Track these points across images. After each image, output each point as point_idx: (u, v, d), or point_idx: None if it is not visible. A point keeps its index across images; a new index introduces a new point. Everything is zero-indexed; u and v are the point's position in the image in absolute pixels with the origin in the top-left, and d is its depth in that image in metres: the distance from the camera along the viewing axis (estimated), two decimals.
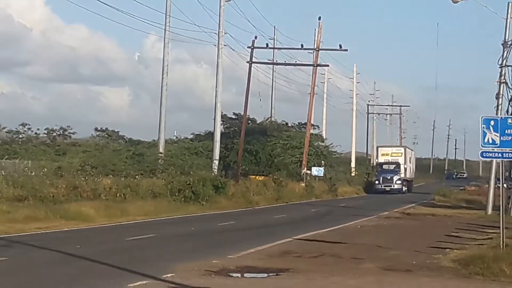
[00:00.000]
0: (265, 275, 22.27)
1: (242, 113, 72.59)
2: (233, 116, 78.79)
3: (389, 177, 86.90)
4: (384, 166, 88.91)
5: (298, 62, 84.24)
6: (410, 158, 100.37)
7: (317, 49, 77.99)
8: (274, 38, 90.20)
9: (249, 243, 31.71)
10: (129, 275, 21.32)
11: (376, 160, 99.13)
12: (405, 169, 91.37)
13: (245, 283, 21.25)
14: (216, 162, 67.89)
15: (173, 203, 54.32)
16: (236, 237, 35.68)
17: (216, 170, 65.50)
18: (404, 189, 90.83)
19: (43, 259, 25.50)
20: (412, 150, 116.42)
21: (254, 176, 67.82)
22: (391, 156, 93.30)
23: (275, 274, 22.35)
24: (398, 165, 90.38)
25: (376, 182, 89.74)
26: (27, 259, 25.81)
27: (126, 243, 30.95)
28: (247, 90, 73.78)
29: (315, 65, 79.67)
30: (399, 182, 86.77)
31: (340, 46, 77.27)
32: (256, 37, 76.10)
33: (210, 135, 70.47)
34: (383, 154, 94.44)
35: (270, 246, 30.67)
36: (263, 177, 72.63)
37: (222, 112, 75.74)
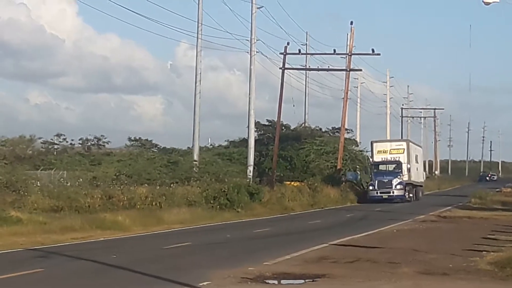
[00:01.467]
0: (302, 281, 22.10)
1: (275, 120, 73.30)
2: (267, 123, 79.27)
3: (386, 181, 71.08)
4: (381, 167, 74.07)
5: (331, 67, 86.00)
6: (416, 156, 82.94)
7: (349, 54, 79.36)
8: (306, 44, 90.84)
9: (284, 249, 31.31)
10: (165, 283, 21.50)
11: (371, 159, 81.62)
12: (409, 169, 74.96)
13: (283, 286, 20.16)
14: (251, 168, 67.66)
15: (208, 210, 53.85)
16: (271, 243, 35.44)
17: (250, 177, 65.27)
18: (407, 196, 74.21)
19: (79, 269, 25.42)
20: (419, 146, 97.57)
21: (289, 182, 68.14)
22: (390, 153, 76.45)
23: (311, 280, 22.20)
24: (399, 164, 73.99)
25: (370, 187, 73.49)
26: (63, 269, 25.71)
27: (161, 251, 30.76)
28: (280, 96, 74.10)
29: (348, 70, 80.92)
30: (400, 187, 70.36)
31: (373, 50, 78.23)
32: (288, 43, 76.14)
33: (244, 142, 72.73)
34: (379, 151, 77.18)
35: (305, 252, 30.14)
36: (298, 183, 72.37)
37: (255, 119, 75.54)
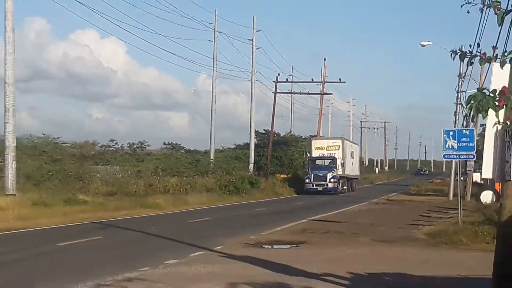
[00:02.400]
0: (289, 246, 22.98)
1: (270, 129, 75.51)
2: (263, 132, 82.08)
3: (321, 174, 63.09)
4: (318, 162, 65.76)
5: (309, 92, 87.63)
6: (352, 152, 74.98)
7: (323, 82, 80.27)
8: (292, 75, 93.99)
9: (276, 223, 32.11)
10: (191, 248, 22.07)
11: (309, 155, 71.47)
12: (343, 164, 66.76)
13: (274, 252, 21.37)
14: (251, 165, 71.43)
15: (221, 195, 56.77)
16: (266, 219, 35.99)
17: (251, 171, 68.94)
18: (341, 188, 66.12)
19: (128, 237, 26.43)
20: (355, 144, 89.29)
21: (279, 175, 72.00)
22: (326, 150, 68.20)
23: (295, 245, 23.06)
24: (333, 160, 65.70)
25: (307, 180, 65.29)
26: (117, 237, 26.65)
27: (188, 224, 31.67)
28: (273, 113, 75.69)
29: (322, 94, 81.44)
30: (333, 180, 63.00)
31: (340, 79, 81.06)
32: (279, 74, 79.72)
33: (247, 145, 74.70)
34: (317, 148, 68.88)
35: (292, 225, 31.23)
36: (285, 175, 75.79)
37: (255, 129, 79.45)
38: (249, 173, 66.54)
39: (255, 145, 76.98)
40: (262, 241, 23.54)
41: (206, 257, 19.67)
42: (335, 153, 64.43)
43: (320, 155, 64.37)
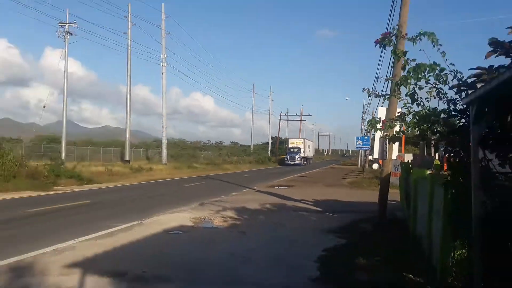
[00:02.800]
0: (286, 187, 24.93)
1: (277, 136, 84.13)
2: (274, 136, 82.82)
3: (292, 156, 65.38)
4: (292, 150, 67.42)
5: (295, 119, 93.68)
6: (309, 145, 78.32)
7: (301, 115, 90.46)
8: (286, 111, 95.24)
9: (280, 177, 33.80)
10: (243, 187, 23.41)
11: (287, 146, 74.28)
12: (303, 151, 68.81)
13: (279, 189, 22.77)
14: (269, 151, 78.72)
15: (256, 165, 61.14)
16: (276, 175, 36.45)
17: (269, 154, 76.73)
18: (303, 163, 68.58)
19: (215, 183, 26.34)
20: (311, 141, 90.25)
21: (282, 156, 75.21)
22: (296, 144, 69.93)
23: (288, 187, 25.19)
24: (299, 149, 67.91)
25: (286, 159, 67.27)
26: (209, 183, 26.19)
27: (241, 177, 32.76)
28: (278, 129, 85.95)
29: (300, 120, 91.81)
30: (299, 159, 65.37)
31: (309, 113, 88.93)
32: (283, 111, 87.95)
33: (267, 143, 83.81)
34: (291, 143, 71.19)
35: (287, 178, 32.90)
36: (283, 156, 77.03)
37: (272, 136, 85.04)
38: (268, 155, 76.34)
39: (271, 143, 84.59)
40: (274, 185, 26.21)
41: (249, 191, 22.35)
42: (300, 146, 68.06)
43: (292, 146, 68.17)
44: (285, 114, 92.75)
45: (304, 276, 6.64)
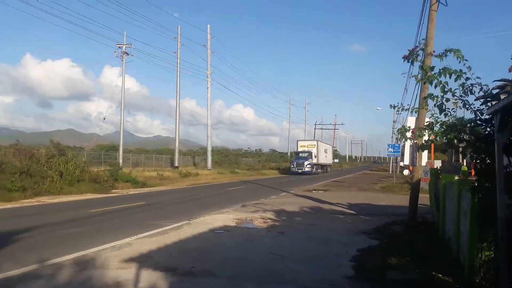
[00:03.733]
0: (322, 191, 24.47)
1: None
2: None
3: (300, 162, 51.92)
4: (300, 154, 54.05)
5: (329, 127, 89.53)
6: (326, 149, 61.80)
7: (335, 124, 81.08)
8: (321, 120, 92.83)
9: (317, 181, 33.40)
10: (280, 191, 23.34)
11: (295, 150, 60.77)
12: (317, 157, 54.71)
13: (315, 193, 22.43)
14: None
15: (279, 171, 59.46)
16: (311, 180, 35.40)
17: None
18: (314, 171, 53.93)
19: (254, 187, 25.91)
20: (329, 145, 72.86)
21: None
22: (307, 147, 55.96)
23: (324, 191, 24.71)
24: (310, 153, 53.81)
25: (291, 166, 54.25)
26: (250, 187, 26.55)
27: (279, 181, 31.85)
28: (314, 137, 78.39)
29: (334, 129, 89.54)
30: (309, 166, 51.62)
31: (342, 123, 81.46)
32: (318, 120, 77.72)
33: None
34: (301, 146, 57.18)
35: (322, 183, 32.14)
36: None
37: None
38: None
39: None
40: (310, 189, 25.89)
41: (287, 195, 22.07)
42: (311, 150, 53.03)
43: (302, 150, 53.46)
44: (319, 123, 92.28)
45: (339, 274, 6.56)
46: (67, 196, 20.05)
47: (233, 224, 11.46)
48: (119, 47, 37.85)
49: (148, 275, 6.34)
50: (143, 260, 7.23)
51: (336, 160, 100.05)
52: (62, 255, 7.55)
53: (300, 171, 49.65)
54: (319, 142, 58.89)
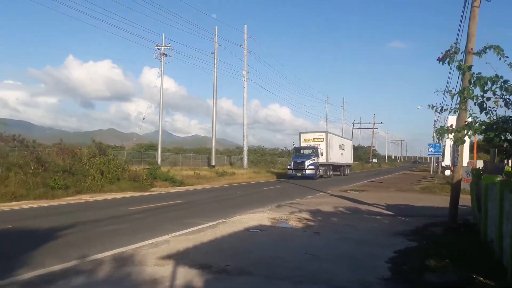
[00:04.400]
0: (358, 191, 24.18)
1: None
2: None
3: (300, 162, 38.14)
4: (303, 151, 40.52)
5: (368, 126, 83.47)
6: (341, 145, 48.11)
7: (374, 123, 76.13)
8: (360, 119, 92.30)
9: (354, 182, 33.39)
10: (317, 191, 23.02)
11: (294, 145, 47.27)
12: (327, 154, 40.70)
13: (352, 194, 22.10)
14: None
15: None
16: (349, 180, 35.74)
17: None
18: (321, 173, 39.49)
19: (290, 186, 25.83)
20: (345, 138, 57.04)
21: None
22: (312, 141, 42.07)
23: (361, 191, 24.35)
24: (315, 150, 39.68)
25: (288, 167, 39.64)
26: (285, 186, 26.94)
27: (316, 181, 29.13)
28: (351, 137, 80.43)
29: (373, 128, 79.38)
30: (311, 166, 37.72)
31: (381, 122, 76.34)
32: (356, 120, 71.96)
33: None
34: (305, 140, 43.06)
35: (359, 183, 31.86)
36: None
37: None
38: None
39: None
40: (347, 189, 25.53)
41: (323, 195, 21.76)
42: (319, 145, 40.34)
43: (305, 145, 40.80)
44: (358, 123, 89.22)
45: (375, 276, 6.46)
46: (107, 194, 20.66)
47: (268, 223, 11.45)
48: (158, 48, 38.67)
49: (184, 272, 6.44)
50: (180, 258, 7.36)
51: (374, 160, 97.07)
52: (102, 251, 7.77)
53: (299, 174, 37.41)
54: (329, 134, 44.05)
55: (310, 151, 39.61)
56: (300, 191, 23.50)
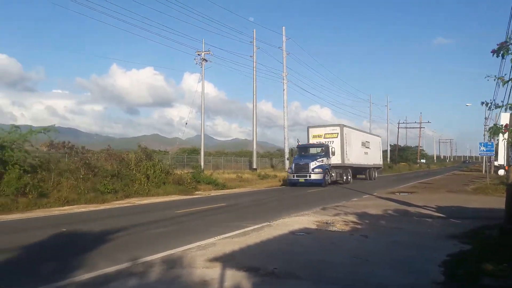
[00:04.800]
0: (407, 193, 23.70)
1: (396, 144, 77.81)
2: (393, 144, 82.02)
3: (302, 164, 29.01)
4: (309, 150, 30.87)
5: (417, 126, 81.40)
6: (364, 142, 37.75)
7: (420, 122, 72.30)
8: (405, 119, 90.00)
9: (401, 183, 32.43)
10: (363, 194, 22.78)
11: (298, 143, 33.40)
12: (344, 153, 31.65)
13: (400, 196, 21.77)
14: (388, 159, 75.23)
15: (388, 170, 54.60)
16: (395, 182, 34.84)
17: (389, 162, 75.11)
18: (334, 178, 30.72)
19: (335, 189, 25.60)
20: (371, 134, 44.18)
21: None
22: (324, 138, 32.11)
23: (410, 193, 23.91)
24: (324, 148, 30.33)
25: (289, 171, 31.13)
26: (331, 190, 26.03)
27: (361, 183, 29.71)
28: (397, 137, 76.26)
29: (420, 127, 77.34)
30: (318, 170, 28.53)
31: (428, 121, 73.06)
32: (401, 119, 70.98)
33: (385, 151, 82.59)
34: (314, 136, 32.79)
35: (407, 185, 31.22)
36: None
37: (390, 143, 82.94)
38: (387, 163, 67.69)
39: (390, 150, 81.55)
40: (394, 191, 25.06)
41: (369, 197, 21.55)
42: (331, 140, 32.40)
43: (313, 143, 32.69)
44: (403, 122, 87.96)
45: (428, 280, 6.31)
46: (154, 197, 21.30)
47: (313, 226, 11.39)
48: (198, 54, 39.44)
49: (232, 275, 6.51)
50: (227, 260, 7.45)
51: (423, 161, 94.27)
52: (151, 253, 7.97)
53: (302, 179, 29.64)
54: (346, 128, 34.42)
55: (319, 149, 31.40)
56: (345, 194, 23.30)
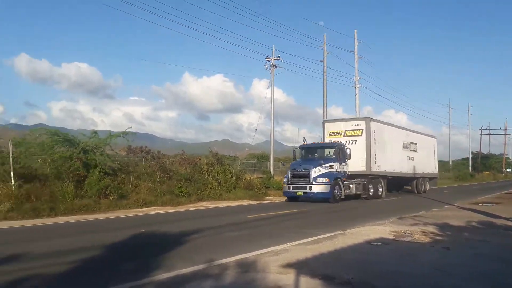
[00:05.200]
0: (491, 204, 21.87)
1: (478, 151, 78.95)
2: (475, 152, 79.27)
3: (300, 171, 20.93)
4: (319, 152, 22.92)
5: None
6: (410, 143, 28.90)
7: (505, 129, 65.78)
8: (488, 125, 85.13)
9: (485, 193, 30.14)
10: (443, 204, 21.49)
11: (304, 141, 24.53)
12: (371, 156, 23.38)
13: (484, 207, 20.16)
14: (470, 167, 69.53)
15: (456, 181, 53.37)
16: (478, 192, 32.67)
17: (471, 170, 67.38)
18: (341, 192, 21.58)
19: (411, 198, 25.19)
20: (431, 136, 34.56)
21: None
22: (345, 135, 23.81)
23: (494, 204, 22.19)
24: (338, 149, 22.25)
25: (284, 180, 22.43)
26: (406, 198, 25.47)
27: (441, 192, 27.74)
28: (480, 144, 70.98)
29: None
30: (322, 180, 20.40)
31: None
32: (482, 126, 66.88)
33: (466, 159, 77.99)
34: (331, 133, 24.55)
35: (493, 195, 28.79)
36: (488, 172, 73.03)
37: (472, 151, 77.41)
38: (469, 171, 64.76)
39: (472, 158, 75.42)
40: (477, 202, 23.49)
41: (450, 208, 20.34)
42: (355, 141, 24.54)
43: (326, 144, 24.45)
44: (486, 128, 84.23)
45: None
46: (225, 201, 22.01)
47: (390, 236, 11.09)
48: (268, 60, 40.02)
49: (306, 282, 6.46)
50: (300, 267, 7.42)
51: (508, 170, 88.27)
52: (226, 256, 8.18)
53: (299, 192, 21.96)
54: (374, 123, 26.00)
55: (330, 151, 23.75)
56: (424, 203, 22.58)
